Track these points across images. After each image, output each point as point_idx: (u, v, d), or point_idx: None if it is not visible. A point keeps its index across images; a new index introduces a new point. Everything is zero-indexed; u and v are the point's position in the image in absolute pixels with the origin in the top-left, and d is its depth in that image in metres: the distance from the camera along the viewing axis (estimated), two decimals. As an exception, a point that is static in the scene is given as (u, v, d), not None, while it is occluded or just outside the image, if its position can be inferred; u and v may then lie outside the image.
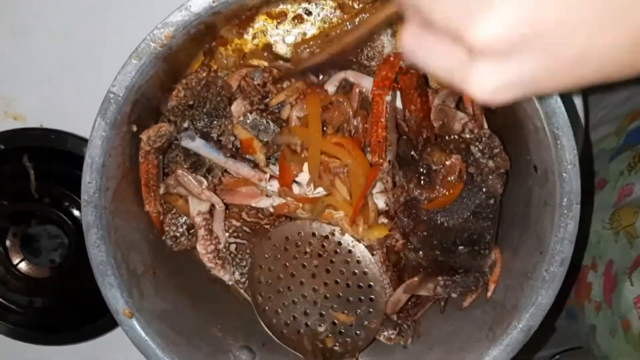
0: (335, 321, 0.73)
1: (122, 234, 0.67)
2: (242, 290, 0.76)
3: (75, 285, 0.85)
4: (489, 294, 0.70)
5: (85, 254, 0.65)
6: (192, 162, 0.70)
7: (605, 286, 0.79)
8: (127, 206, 0.68)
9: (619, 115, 0.91)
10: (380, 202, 0.72)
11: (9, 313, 0.88)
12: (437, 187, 0.67)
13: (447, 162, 0.67)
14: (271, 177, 0.71)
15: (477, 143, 0.67)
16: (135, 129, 0.67)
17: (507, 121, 0.69)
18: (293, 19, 0.74)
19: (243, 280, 0.75)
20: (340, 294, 0.72)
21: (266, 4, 0.69)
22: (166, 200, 0.73)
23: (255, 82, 0.71)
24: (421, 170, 0.68)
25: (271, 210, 0.73)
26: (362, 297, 0.72)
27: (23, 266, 0.89)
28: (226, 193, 0.72)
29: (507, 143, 0.68)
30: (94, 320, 0.86)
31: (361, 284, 0.72)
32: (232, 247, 0.75)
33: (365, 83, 0.70)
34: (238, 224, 0.74)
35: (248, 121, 0.71)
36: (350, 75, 0.71)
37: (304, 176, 0.71)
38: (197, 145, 0.68)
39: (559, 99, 0.59)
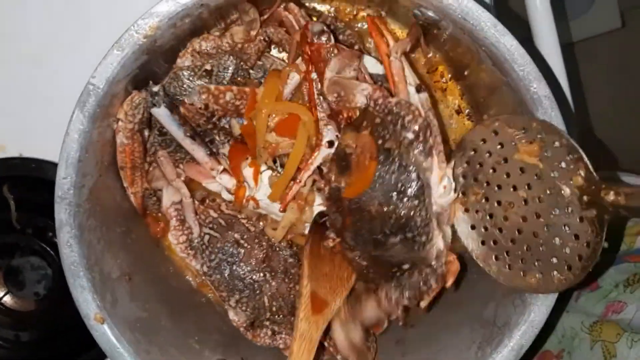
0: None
1: (97, 235, 0.64)
2: (209, 283, 0.74)
3: (61, 318, 0.82)
4: (448, 284, 0.62)
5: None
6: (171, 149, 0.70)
7: None
8: (103, 206, 0.66)
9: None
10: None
11: (-5, 348, 0.85)
12: (353, 171, 0.61)
13: (359, 142, 0.61)
14: (224, 169, 0.69)
15: (388, 115, 0.60)
16: (115, 125, 0.64)
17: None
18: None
19: (210, 273, 0.73)
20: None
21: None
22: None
23: (197, 107, 0.69)
24: (337, 156, 0.62)
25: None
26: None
27: (7, 300, 0.86)
28: (187, 164, 0.70)
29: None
30: (81, 353, 0.83)
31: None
32: (206, 238, 0.73)
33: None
34: (215, 215, 0.72)
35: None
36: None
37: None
38: (161, 113, 0.66)
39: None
